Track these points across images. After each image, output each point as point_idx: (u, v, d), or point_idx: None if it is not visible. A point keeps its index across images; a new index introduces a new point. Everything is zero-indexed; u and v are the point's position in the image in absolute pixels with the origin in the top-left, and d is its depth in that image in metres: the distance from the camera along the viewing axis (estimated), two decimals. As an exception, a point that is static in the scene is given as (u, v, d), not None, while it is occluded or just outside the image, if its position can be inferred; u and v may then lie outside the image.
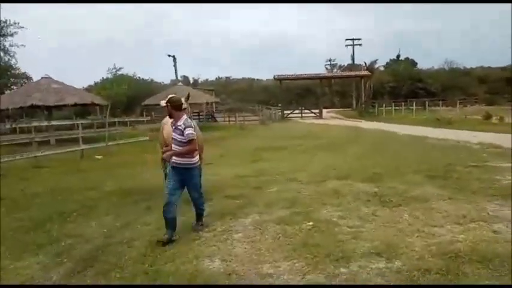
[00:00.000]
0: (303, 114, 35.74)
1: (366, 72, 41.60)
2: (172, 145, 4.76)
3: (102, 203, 6.68)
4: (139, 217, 5.71)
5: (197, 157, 4.85)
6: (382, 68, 57.66)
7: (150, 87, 41.52)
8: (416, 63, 62.37)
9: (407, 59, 62.05)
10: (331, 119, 33.29)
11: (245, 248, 4.34)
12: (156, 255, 4.25)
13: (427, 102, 38.30)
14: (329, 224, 4.92)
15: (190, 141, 4.65)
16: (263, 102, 43.66)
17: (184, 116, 4.72)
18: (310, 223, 4.96)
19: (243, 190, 7.00)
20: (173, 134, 4.72)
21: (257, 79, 70.86)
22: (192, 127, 4.67)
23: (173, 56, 39.12)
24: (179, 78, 41.97)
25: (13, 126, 18.77)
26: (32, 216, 5.98)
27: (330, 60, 63.98)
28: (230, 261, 4.01)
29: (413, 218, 5.06)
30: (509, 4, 39.12)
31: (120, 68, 45.17)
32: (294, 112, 36.72)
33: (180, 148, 4.66)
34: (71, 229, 5.35)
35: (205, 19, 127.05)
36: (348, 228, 4.77)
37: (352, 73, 44.38)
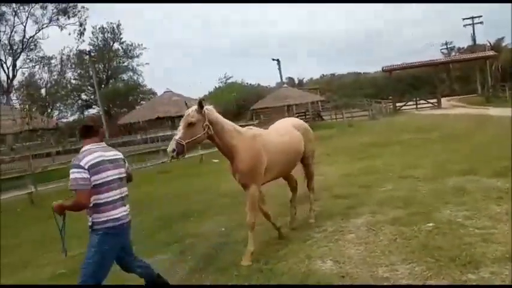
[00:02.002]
0: (418, 105, 33.11)
1: (491, 53, 36.64)
2: None
3: (218, 204, 7.16)
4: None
5: (102, 215, 3.08)
6: (510, 46, 50.16)
7: (257, 92, 43.10)
8: (559, 34, 52.72)
9: (545, 30, 52.94)
10: (452, 107, 30.12)
11: (358, 250, 4.20)
12: (269, 254, 4.39)
13: None
14: (453, 225, 4.47)
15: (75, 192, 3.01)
16: (372, 96, 41.61)
17: (86, 148, 3.12)
18: (431, 224, 4.57)
19: (352, 189, 6.78)
20: None
21: (363, 72, 68.02)
22: (78, 168, 2.97)
23: (277, 60, 39.98)
24: (284, 80, 42.75)
25: (144, 137, 21.23)
26: (159, 217, 6.71)
27: (446, 44, 58.10)
28: (343, 263, 3.92)
29: (559, 218, 4.30)
30: (509, 4, 34.66)
31: (229, 77, 47.95)
32: (408, 104, 34.21)
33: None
34: (193, 228, 5.84)
35: (304, 17, 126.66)
36: (476, 229, 4.26)
37: (474, 55, 39.40)
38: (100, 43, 45.26)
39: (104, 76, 45.96)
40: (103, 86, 42.97)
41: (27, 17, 36.76)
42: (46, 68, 41.86)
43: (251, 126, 4.74)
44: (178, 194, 8.68)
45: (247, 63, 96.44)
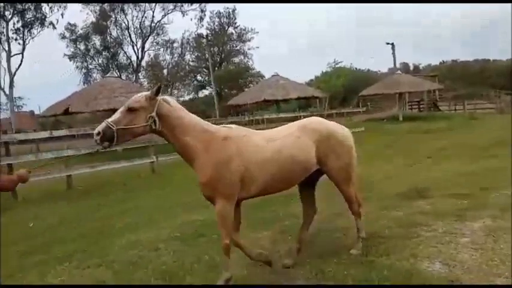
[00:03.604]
0: (561, 100, 28.20)
1: None
2: None
3: (319, 191, 7.13)
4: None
5: None
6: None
7: (366, 78, 41.31)
8: None
9: None
10: None
11: (473, 255, 3.84)
12: (370, 246, 4.26)
13: None
14: None
15: None
16: (502, 87, 36.65)
17: None
18: None
19: (470, 190, 6.14)
20: None
21: (493, 60, 59.92)
22: None
23: (392, 44, 37.63)
24: (398, 65, 40.08)
25: (250, 118, 22.12)
26: (262, 197, 6.95)
27: None
28: (453, 267, 3.63)
29: None
30: (509, 4, 33.94)
31: (339, 62, 46.76)
32: (547, 97, 29.38)
33: None
34: (293, 210, 5.94)
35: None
36: None
37: None
38: (216, 27, 47.96)
39: (218, 59, 48.73)
40: (216, 68, 45.61)
41: (156, 4, 40.67)
42: (169, 50, 46.02)
43: (231, 125, 3.71)
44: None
45: (360, 47, 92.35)
